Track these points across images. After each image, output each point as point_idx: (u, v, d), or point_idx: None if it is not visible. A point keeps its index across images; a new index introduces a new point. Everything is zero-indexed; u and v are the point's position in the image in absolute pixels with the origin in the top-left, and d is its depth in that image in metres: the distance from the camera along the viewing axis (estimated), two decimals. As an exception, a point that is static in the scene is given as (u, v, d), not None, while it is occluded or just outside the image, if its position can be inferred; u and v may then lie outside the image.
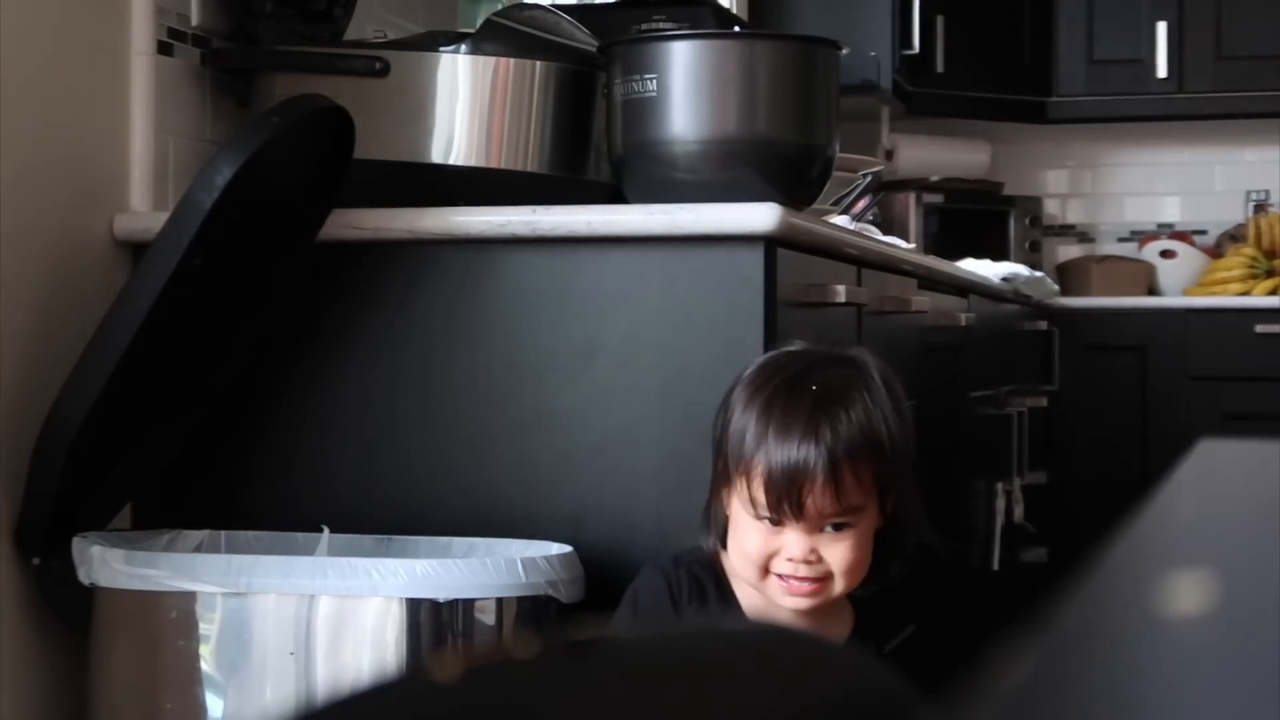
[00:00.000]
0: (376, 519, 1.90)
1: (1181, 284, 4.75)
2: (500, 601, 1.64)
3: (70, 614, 1.81)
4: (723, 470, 1.56)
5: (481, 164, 1.97)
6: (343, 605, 1.63)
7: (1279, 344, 4.34)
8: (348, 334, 1.94)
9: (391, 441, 1.92)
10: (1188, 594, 0.53)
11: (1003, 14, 4.75)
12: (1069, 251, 5.06)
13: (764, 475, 1.50)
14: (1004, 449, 3.51)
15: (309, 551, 1.86)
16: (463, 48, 1.98)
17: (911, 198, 4.52)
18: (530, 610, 1.65)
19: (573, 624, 1.56)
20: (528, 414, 1.88)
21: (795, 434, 1.50)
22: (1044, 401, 4.01)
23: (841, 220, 2.62)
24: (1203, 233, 4.96)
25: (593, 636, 0.53)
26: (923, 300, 2.53)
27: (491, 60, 1.98)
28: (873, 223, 3.15)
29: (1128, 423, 4.44)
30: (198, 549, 1.87)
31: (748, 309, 1.80)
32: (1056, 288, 4.41)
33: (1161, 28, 4.71)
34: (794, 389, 1.53)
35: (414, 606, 1.62)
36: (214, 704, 1.67)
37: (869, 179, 2.74)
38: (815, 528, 1.52)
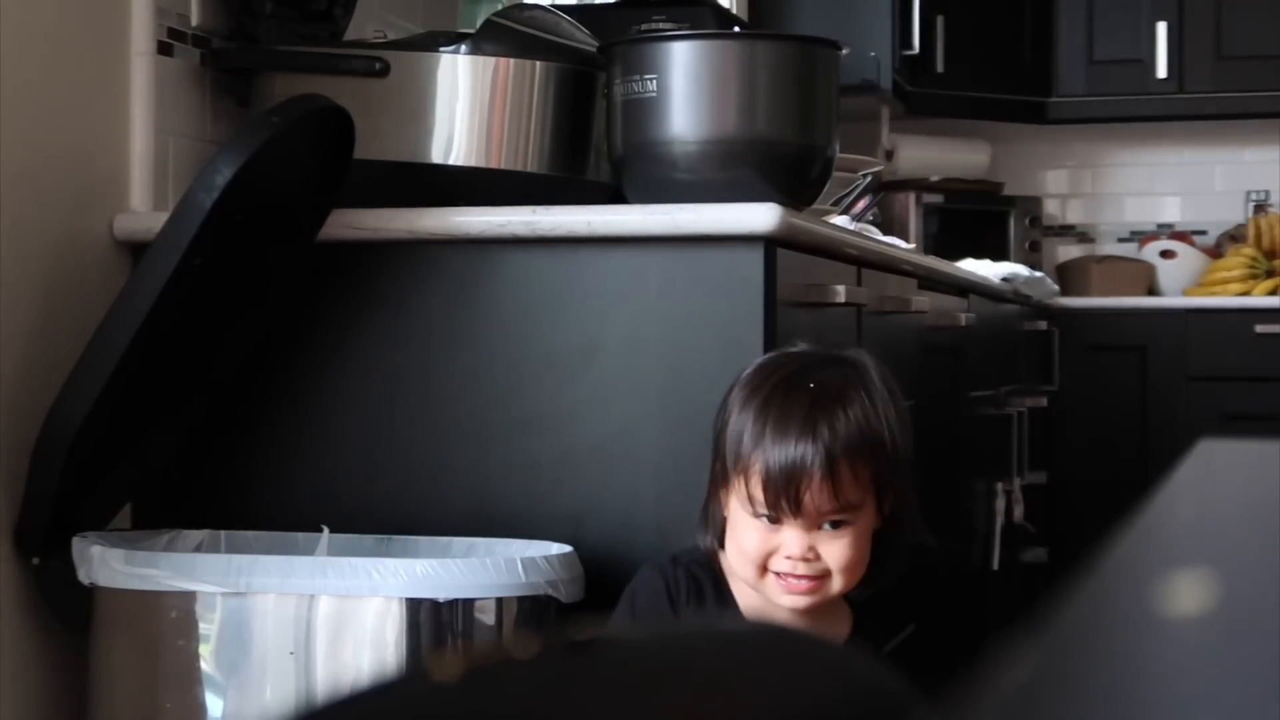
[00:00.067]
0: (376, 519, 1.90)
1: (1181, 284, 4.75)
2: (500, 601, 1.64)
3: (70, 614, 1.81)
4: (720, 470, 1.57)
5: (481, 164, 1.97)
6: (343, 605, 1.63)
7: (1279, 344, 4.34)
8: (348, 334, 1.94)
9: (391, 441, 1.92)
10: (1188, 594, 0.53)
11: (1003, 14, 4.75)
12: (1069, 251, 5.06)
13: (762, 472, 1.51)
14: (1004, 449, 3.51)
15: (309, 551, 1.86)
16: (463, 48, 1.98)
17: (911, 198, 4.52)
18: (530, 610, 1.65)
19: (573, 624, 1.56)
20: (528, 414, 1.88)
21: (793, 431, 1.50)
22: (1044, 401, 4.01)
23: (841, 220, 2.62)
24: (1203, 233, 4.96)
25: (592, 636, 0.53)
26: (923, 300, 2.53)
27: (491, 60, 1.98)
28: (873, 223, 3.15)
29: (1128, 423, 4.44)
30: (198, 549, 1.87)
31: (748, 309, 1.80)
32: (1056, 288, 4.41)
33: (1161, 28, 4.71)
34: (792, 388, 1.53)
35: (414, 606, 1.62)
36: (214, 704, 1.67)
37: (869, 179, 2.74)
38: (813, 525, 1.53)
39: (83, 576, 1.72)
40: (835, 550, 1.53)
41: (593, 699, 0.51)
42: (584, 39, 2.09)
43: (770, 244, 1.80)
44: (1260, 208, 4.92)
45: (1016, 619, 3.58)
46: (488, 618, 1.64)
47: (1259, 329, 4.37)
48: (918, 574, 1.66)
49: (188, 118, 2.12)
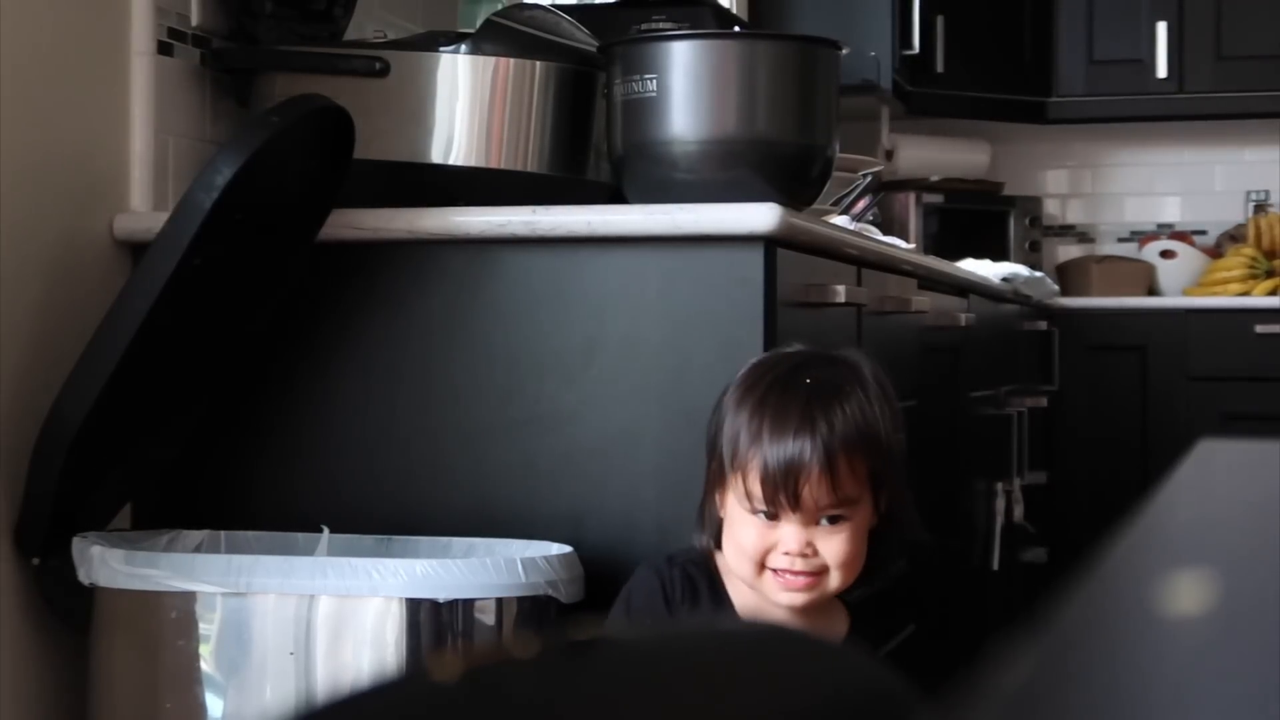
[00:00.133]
0: (376, 519, 1.90)
1: (1181, 284, 4.75)
2: (500, 601, 1.64)
3: (70, 614, 1.81)
4: (717, 470, 1.57)
5: (481, 164, 1.97)
6: (343, 605, 1.63)
7: (1279, 344, 4.34)
8: (348, 334, 1.94)
9: (391, 441, 1.92)
10: (1188, 594, 0.53)
11: (1003, 14, 4.75)
12: (1069, 251, 5.06)
13: (760, 468, 1.51)
14: (1004, 449, 3.51)
15: (309, 551, 1.86)
16: (463, 48, 1.98)
17: (911, 198, 4.52)
18: (530, 610, 1.65)
19: (573, 624, 1.56)
20: (528, 414, 1.88)
21: (790, 426, 1.51)
22: (1044, 401, 4.01)
23: (841, 220, 2.62)
24: (1203, 233, 4.96)
25: (592, 636, 0.53)
26: (923, 300, 2.53)
27: (491, 60, 1.98)
28: (873, 223, 3.15)
29: (1128, 423, 4.44)
30: (198, 549, 1.87)
31: (747, 309, 1.80)
32: (1056, 288, 4.40)
33: (1161, 28, 4.71)
34: (788, 385, 1.54)
35: (414, 606, 1.62)
36: (214, 704, 1.67)
37: (869, 179, 2.74)
38: (811, 520, 1.53)
39: (83, 577, 1.72)
40: (833, 546, 1.54)
41: (593, 699, 0.51)
42: (584, 39, 2.09)
43: (770, 244, 1.80)
44: (1260, 208, 4.92)
45: (1016, 619, 3.58)
46: (488, 618, 1.64)
47: (1259, 329, 4.37)
48: (917, 574, 1.66)
49: (188, 118, 2.12)
